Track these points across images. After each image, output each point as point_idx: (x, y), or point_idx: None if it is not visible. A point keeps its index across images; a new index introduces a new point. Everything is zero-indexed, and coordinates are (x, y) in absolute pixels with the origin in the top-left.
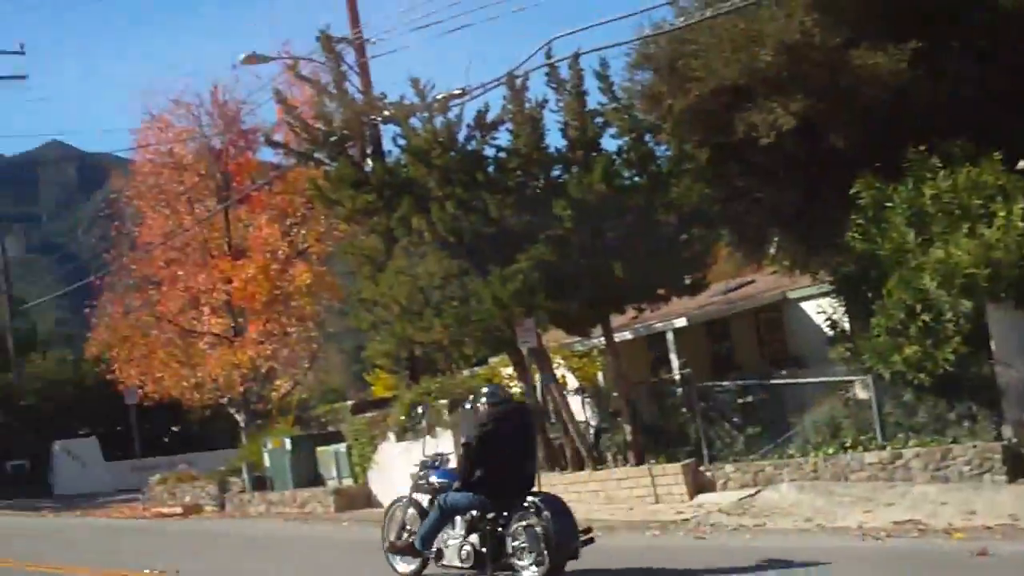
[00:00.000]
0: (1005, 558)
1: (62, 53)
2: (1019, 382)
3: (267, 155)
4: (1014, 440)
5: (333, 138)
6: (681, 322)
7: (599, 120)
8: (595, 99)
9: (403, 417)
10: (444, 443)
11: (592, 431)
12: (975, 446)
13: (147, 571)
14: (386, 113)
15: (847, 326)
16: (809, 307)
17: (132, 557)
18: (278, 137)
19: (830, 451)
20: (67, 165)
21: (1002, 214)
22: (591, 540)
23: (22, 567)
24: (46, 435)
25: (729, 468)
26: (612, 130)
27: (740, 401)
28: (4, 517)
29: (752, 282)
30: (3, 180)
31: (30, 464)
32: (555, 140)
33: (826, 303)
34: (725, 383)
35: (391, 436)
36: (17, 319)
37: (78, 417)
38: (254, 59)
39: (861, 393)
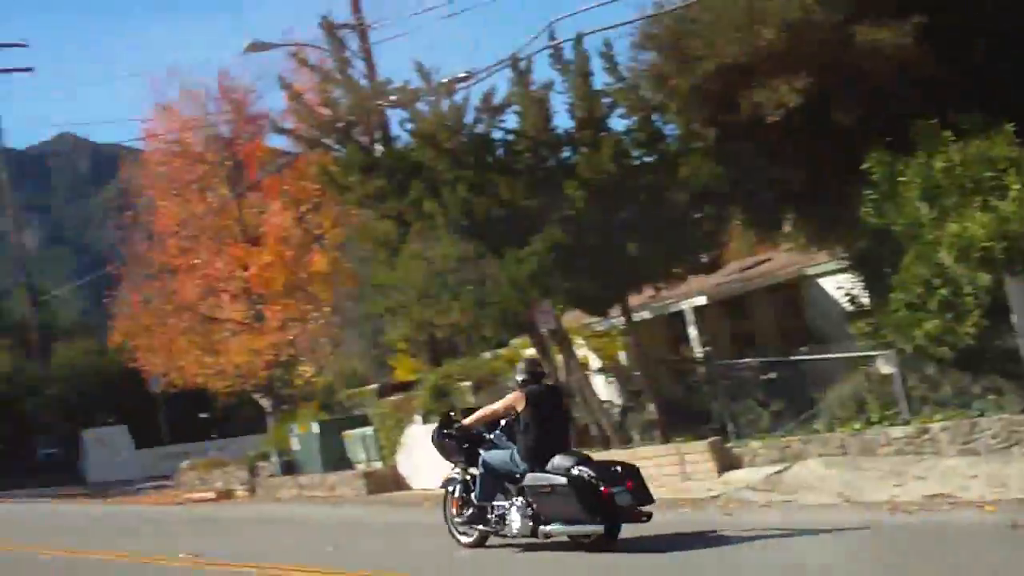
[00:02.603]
0: None
1: (68, 45)
2: None
3: (278, 141)
4: None
5: (340, 124)
6: (700, 300)
7: (606, 100)
8: (601, 80)
9: (429, 399)
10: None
11: (617, 410)
12: (1002, 419)
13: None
14: (392, 98)
15: (866, 301)
16: (827, 283)
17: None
18: (287, 124)
19: (856, 426)
20: (79, 156)
21: (1016, 187)
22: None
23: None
24: (74, 424)
25: (756, 444)
26: (620, 110)
27: (763, 378)
28: (46, 504)
29: (769, 260)
30: (17, 174)
31: (62, 451)
32: (563, 121)
33: (844, 279)
34: (747, 360)
35: (418, 419)
36: (39, 310)
37: (105, 405)
38: (257, 47)
39: (883, 368)
